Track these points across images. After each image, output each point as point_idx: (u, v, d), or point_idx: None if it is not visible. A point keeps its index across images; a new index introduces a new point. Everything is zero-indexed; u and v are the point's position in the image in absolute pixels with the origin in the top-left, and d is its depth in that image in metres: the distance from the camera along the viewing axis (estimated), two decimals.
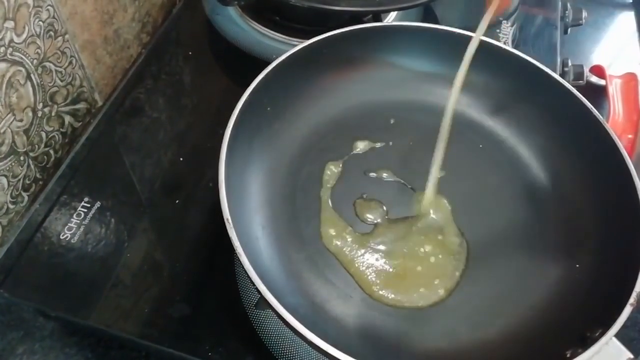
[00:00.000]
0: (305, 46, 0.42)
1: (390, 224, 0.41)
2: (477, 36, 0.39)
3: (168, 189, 0.44)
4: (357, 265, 0.38)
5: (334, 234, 0.39)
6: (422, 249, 0.39)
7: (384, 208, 0.41)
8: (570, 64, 0.55)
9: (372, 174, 0.43)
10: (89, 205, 0.42)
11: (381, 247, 0.39)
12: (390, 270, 0.38)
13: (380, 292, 0.37)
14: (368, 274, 0.38)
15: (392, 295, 0.37)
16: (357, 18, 0.50)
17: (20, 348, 0.40)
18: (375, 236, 0.40)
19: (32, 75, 0.42)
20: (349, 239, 0.39)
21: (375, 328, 0.36)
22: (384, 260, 0.39)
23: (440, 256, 0.39)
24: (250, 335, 0.36)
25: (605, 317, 0.31)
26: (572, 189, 0.41)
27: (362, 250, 0.39)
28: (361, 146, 0.44)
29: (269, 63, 0.40)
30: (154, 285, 0.39)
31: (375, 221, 0.40)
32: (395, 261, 0.39)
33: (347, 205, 0.40)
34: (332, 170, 0.42)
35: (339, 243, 0.39)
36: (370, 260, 0.38)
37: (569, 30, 0.61)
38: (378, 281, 0.38)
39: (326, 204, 0.41)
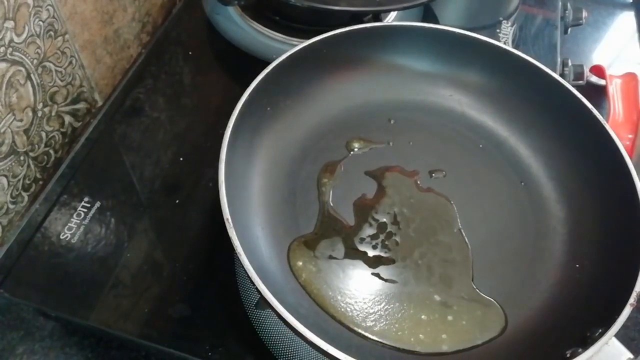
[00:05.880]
0: (305, 46, 0.42)
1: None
2: None
3: (168, 189, 0.44)
4: (333, 305, 0.34)
5: (300, 264, 0.36)
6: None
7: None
8: (570, 63, 0.55)
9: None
10: (89, 205, 0.42)
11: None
12: (383, 313, 0.34)
13: (366, 334, 0.34)
14: (350, 312, 0.34)
15: (380, 339, 0.34)
16: (357, 18, 0.50)
17: (20, 348, 0.40)
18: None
19: (32, 75, 0.42)
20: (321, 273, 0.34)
21: None
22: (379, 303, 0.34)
23: (464, 322, 0.34)
24: (250, 335, 0.36)
25: (605, 317, 0.31)
26: (572, 189, 0.41)
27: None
28: (361, 146, 0.44)
29: (269, 63, 0.40)
30: (154, 285, 0.39)
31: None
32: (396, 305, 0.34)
33: (347, 206, 0.40)
34: (325, 182, 0.41)
35: (303, 276, 0.35)
36: (358, 301, 0.34)
37: (569, 30, 0.61)
38: (363, 324, 0.34)
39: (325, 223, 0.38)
